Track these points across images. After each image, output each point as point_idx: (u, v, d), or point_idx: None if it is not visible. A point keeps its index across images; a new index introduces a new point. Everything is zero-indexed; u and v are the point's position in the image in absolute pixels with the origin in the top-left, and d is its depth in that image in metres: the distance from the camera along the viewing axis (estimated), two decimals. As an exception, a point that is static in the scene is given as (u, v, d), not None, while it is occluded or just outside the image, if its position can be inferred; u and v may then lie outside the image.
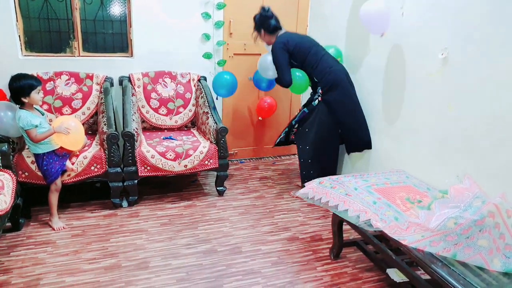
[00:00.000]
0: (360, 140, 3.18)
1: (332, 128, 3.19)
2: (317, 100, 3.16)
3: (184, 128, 3.70)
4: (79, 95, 3.32)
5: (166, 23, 3.58)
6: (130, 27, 3.53)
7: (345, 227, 2.48)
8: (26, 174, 2.75)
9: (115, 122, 3.09)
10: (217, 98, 3.59)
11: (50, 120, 3.01)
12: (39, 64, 3.29)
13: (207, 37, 3.72)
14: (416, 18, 2.63)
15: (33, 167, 2.73)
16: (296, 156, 3.71)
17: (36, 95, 2.59)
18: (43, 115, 2.73)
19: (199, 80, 3.70)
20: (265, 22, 3.17)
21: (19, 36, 3.26)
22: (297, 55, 3.10)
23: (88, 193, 3.26)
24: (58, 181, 2.74)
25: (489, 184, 2.08)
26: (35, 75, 3.10)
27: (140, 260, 2.46)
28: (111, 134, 2.88)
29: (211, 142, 3.26)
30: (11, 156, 2.60)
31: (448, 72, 2.40)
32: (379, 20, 2.74)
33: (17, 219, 2.67)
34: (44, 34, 3.37)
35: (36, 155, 2.69)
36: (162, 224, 2.90)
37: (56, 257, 2.45)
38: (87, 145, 2.97)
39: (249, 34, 3.32)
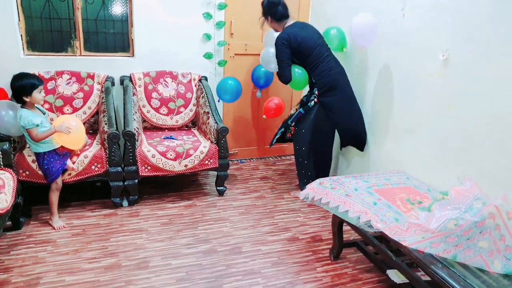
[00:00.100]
0: (357, 139, 3.22)
1: (328, 130, 3.22)
2: (313, 101, 3.16)
3: (184, 128, 3.70)
4: (80, 94, 3.33)
5: (167, 23, 3.58)
6: (132, 27, 3.54)
7: (345, 227, 2.48)
8: (27, 173, 2.75)
9: (116, 122, 3.09)
10: (219, 101, 3.58)
11: (51, 119, 3.01)
12: (41, 64, 3.29)
13: (208, 37, 3.72)
14: (417, 19, 2.63)
15: (34, 166, 2.74)
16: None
17: (38, 95, 2.60)
18: (44, 114, 2.73)
19: (200, 80, 3.70)
20: (272, 8, 3.09)
21: (21, 35, 3.27)
22: (299, 54, 3.07)
23: (88, 193, 3.26)
24: (59, 180, 2.75)
25: (490, 186, 2.08)
26: (37, 74, 3.11)
27: (140, 260, 2.46)
28: (112, 133, 2.88)
29: (211, 142, 3.26)
30: (12, 155, 2.60)
31: (449, 72, 2.40)
32: (369, 34, 2.85)
33: (17, 218, 2.68)
34: (46, 34, 3.38)
35: (37, 154, 2.70)
36: (162, 223, 2.90)
37: (56, 256, 2.46)
38: (88, 145, 2.97)
39: (250, 34, 3.32)
